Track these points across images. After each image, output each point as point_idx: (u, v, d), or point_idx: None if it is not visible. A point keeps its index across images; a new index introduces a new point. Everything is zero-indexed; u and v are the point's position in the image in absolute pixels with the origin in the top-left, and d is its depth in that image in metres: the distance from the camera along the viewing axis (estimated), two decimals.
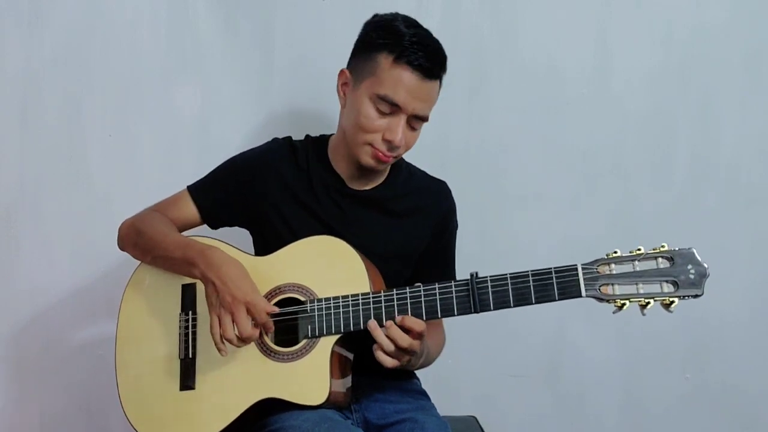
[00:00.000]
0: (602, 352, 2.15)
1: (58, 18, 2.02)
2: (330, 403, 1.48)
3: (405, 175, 1.72)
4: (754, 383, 2.16)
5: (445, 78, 1.65)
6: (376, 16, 1.61)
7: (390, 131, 1.54)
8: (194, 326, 1.58)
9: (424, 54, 1.53)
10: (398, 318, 1.44)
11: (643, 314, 1.37)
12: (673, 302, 1.35)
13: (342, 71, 1.62)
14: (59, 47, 2.02)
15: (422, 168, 1.77)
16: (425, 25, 1.63)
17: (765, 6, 2.10)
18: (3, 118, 2.03)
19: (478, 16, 2.07)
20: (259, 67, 2.05)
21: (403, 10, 1.65)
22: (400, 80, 1.52)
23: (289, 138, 1.72)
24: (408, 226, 1.68)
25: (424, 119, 1.58)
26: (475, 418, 1.93)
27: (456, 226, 1.77)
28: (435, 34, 2.02)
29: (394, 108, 1.54)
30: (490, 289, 1.43)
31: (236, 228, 1.72)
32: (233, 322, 1.47)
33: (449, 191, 1.75)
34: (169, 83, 2.05)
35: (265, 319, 1.47)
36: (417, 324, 1.44)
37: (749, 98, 2.11)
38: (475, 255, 2.01)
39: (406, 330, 1.44)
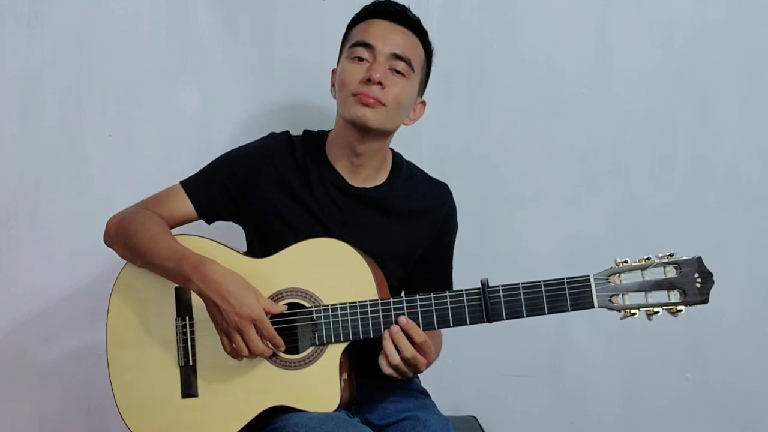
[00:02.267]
0: (603, 351, 2.14)
1: (58, 18, 2.01)
2: (338, 408, 1.48)
3: (405, 175, 1.70)
4: (754, 383, 2.16)
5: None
6: None
7: (367, 72, 1.56)
8: (192, 332, 1.55)
9: (389, 4, 1.61)
10: (403, 319, 1.44)
11: (650, 320, 1.40)
12: (680, 310, 1.38)
13: (333, 71, 1.67)
14: (59, 47, 2.02)
15: (422, 168, 1.77)
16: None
17: (765, 6, 2.10)
18: (3, 118, 2.02)
19: (478, 16, 2.07)
20: (259, 67, 2.05)
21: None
22: (368, 26, 1.60)
23: (286, 133, 1.70)
24: (407, 228, 1.67)
25: (406, 61, 1.58)
26: (476, 418, 1.93)
27: (456, 230, 1.76)
28: (435, 34, 2.03)
29: (369, 50, 1.56)
30: (502, 298, 1.43)
31: (230, 224, 1.71)
32: (244, 341, 1.45)
33: (450, 193, 1.74)
34: (169, 83, 2.05)
35: (273, 335, 1.46)
36: (417, 334, 1.44)
37: (749, 98, 2.11)
38: (475, 255, 2.02)
39: (408, 337, 1.44)
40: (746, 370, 2.16)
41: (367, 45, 1.57)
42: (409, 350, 1.43)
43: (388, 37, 1.58)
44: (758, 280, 2.14)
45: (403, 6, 1.64)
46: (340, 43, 1.69)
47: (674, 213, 2.11)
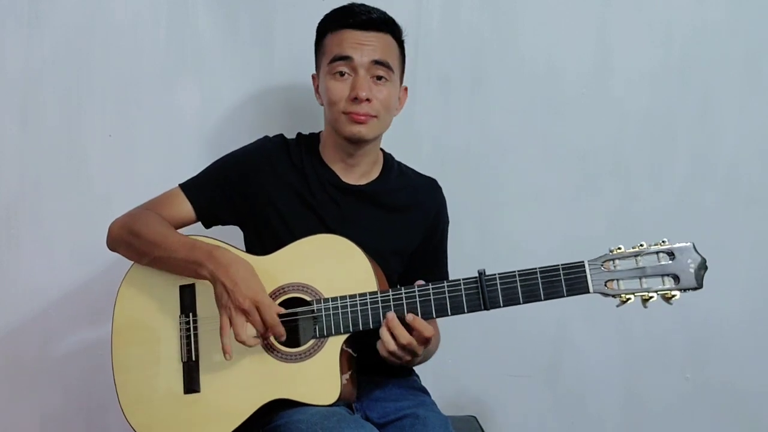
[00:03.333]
0: (602, 351, 2.15)
1: (58, 18, 2.02)
2: (339, 401, 1.48)
3: (396, 172, 1.74)
4: (754, 383, 2.16)
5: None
6: None
7: (352, 89, 1.58)
8: (195, 328, 1.57)
9: (359, 12, 1.62)
10: (409, 317, 1.45)
11: (645, 307, 1.42)
12: (674, 296, 1.40)
13: (312, 77, 1.70)
14: (59, 47, 2.02)
15: (423, 167, 1.79)
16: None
17: (765, 6, 2.10)
18: (3, 118, 2.03)
19: (478, 16, 2.07)
20: (258, 67, 2.05)
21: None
22: (342, 39, 1.60)
23: (281, 135, 1.73)
24: (403, 222, 1.69)
25: (385, 65, 1.60)
26: (475, 418, 1.93)
27: (447, 222, 1.78)
28: (435, 34, 2.05)
29: (348, 63, 1.59)
30: (499, 286, 1.45)
31: (227, 228, 1.72)
32: (247, 322, 1.47)
33: (439, 188, 1.77)
34: (169, 83, 2.05)
35: (275, 320, 1.47)
36: (426, 329, 1.45)
37: (749, 98, 2.11)
38: (475, 255, 2.02)
39: (411, 330, 1.45)
40: (746, 370, 2.16)
41: (344, 58, 1.59)
42: (404, 337, 1.45)
43: (363, 45, 1.59)
44: (758, 280, 2.14)
45: (367, 8, 1.64)
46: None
47: (674, 213, 2.11)
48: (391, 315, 1.46)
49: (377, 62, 1.60)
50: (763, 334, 2.15)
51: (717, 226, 2.12)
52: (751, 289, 2.14)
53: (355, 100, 1.57)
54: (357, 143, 1.62)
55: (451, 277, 1.77)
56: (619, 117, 2.11)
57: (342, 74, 1.60)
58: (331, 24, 1.65)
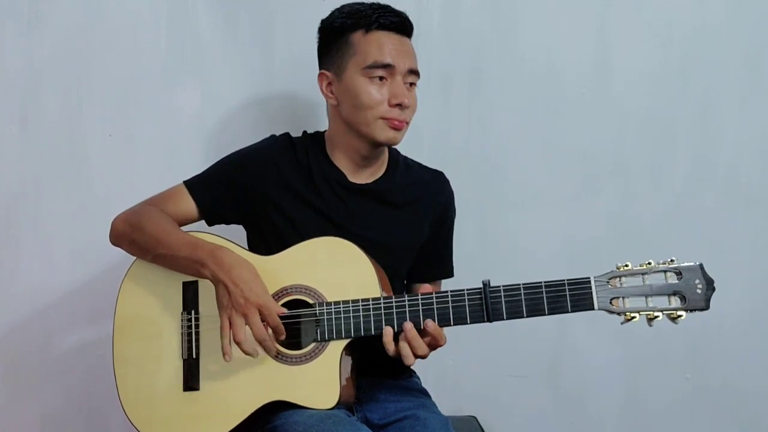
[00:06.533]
0: (602, 352, 2.14)
1: (58, 18, 2.02)
2: (338, 404, 1.48)
3: (403, 167, 1.73)
4: (754, 383, 2.16)
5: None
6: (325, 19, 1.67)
7: (395, 96, 1.57)
8: (197, 326, 1.56)
9: (391, 13, 1.60)
10: (429, 324, 1.45)
11: (650, 325, 1.39)
12: (680, 316, 1.38)
13: (321, 74, 1.65)
14: (59, 47, 2.02)
15: None
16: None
17: (765, 6, 2.10)
18: (3, 118, 2.03)
19: (478, 16, 2.07)
20: (259, 67, 2.06)
21: (403, 10, 1.66)
22: (381, 43, 1.58)
23: (287, 134, 1.72)
24: (409, 218, 1.69)
25: (417, 74, 1.62)
26: (475, 418, 1.94)
27: (454, 216, 1.78)
28: (435, 34, 2.04)
29: (388, 69, 1.57)
30: (503, 298, 1.43)
31: (230, 226, 1.72)
32: (246, 324, 1.46)
33: (447, 180, 1.77)
34: (169, 83, 2.05)
35: (277, 323, 1.47)
36: (440, 337, 1.46)
37: (749, 98, 2.11)
38: (475, 256, 2.02)
39: (422, 335, 1.46)
40: (746, 370, 2.16)
41: (386, 66, 1.57)
42: (422, 349, 1.46)
43: (402, 53, 1.59)
44: (758, 280, 2.14)
45: (395, 10, 1.63)
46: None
47: (674, 213, 2.11)
48: (409, 326, 1.45)
49: (412, 71, 1.60)
50: (763, 334, 2.15)
51: (717, 226, 2.12)
52: (751, 289, 2.14)
53: (398, 106, 1.57)
54: (379, 146, 1.62)
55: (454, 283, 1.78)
56: (619, 117, 2.11)
57: (381, 78, 1.58)
58: (361, 21, 1.59)
